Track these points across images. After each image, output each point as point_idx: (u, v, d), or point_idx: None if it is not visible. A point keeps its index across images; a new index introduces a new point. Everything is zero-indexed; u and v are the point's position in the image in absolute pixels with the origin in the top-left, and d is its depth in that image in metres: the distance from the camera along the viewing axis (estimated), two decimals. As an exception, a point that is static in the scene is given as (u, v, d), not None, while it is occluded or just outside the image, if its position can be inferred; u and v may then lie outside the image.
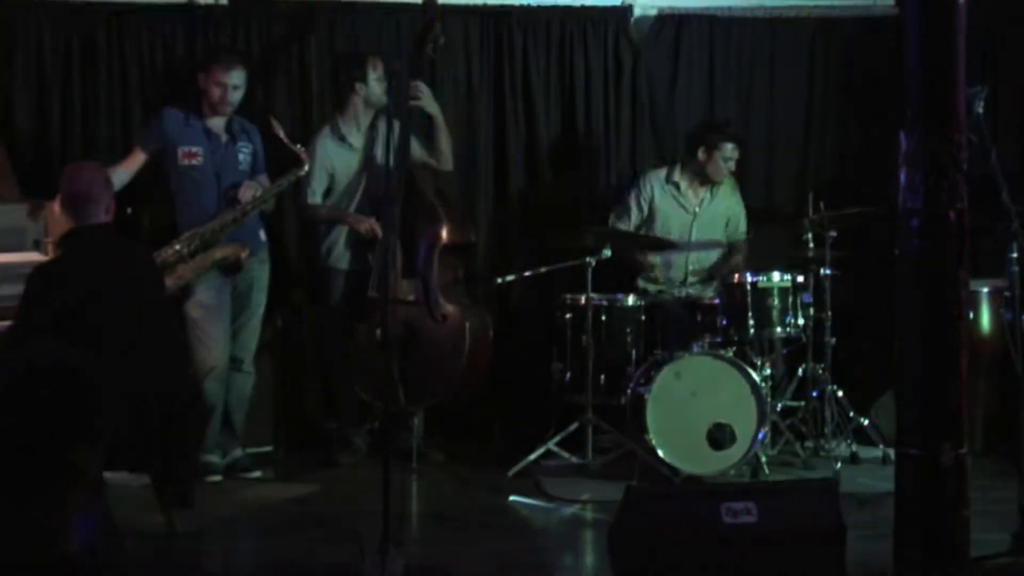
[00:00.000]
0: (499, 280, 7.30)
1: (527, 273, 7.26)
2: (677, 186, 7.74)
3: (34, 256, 6.49)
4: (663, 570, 4.46)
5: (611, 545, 4.78)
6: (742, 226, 7.88)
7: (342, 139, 7.47)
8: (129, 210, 6.93)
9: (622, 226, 7.67)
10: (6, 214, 6.61)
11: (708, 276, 7.75)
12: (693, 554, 4.47)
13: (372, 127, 7.49)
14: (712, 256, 7.81)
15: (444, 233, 7.29)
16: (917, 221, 3.54)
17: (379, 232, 7.15)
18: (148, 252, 6.21)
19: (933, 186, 3.48)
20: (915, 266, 3.56)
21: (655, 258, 7.74)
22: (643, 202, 7.75)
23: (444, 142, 7.49)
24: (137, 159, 7.05)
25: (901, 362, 3.63)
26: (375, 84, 7.43)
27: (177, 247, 6.80)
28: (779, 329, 7.09)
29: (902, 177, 3.58)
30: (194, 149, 7.05)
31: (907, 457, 3.55)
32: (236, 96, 7.10)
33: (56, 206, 6.36)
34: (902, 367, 3.62)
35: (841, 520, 4.53)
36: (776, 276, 7.08)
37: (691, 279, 7.76)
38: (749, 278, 7.06)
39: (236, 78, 7.07)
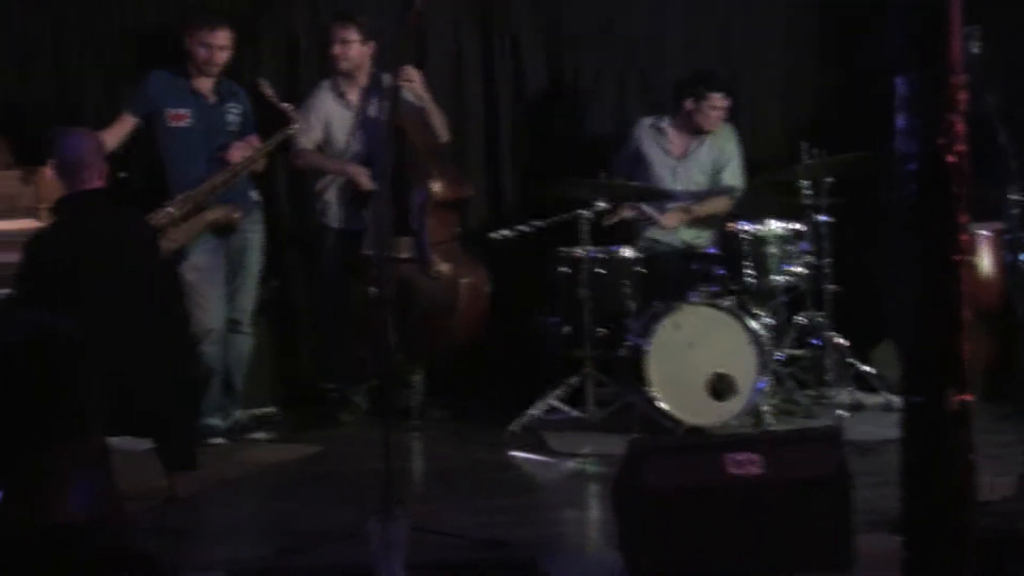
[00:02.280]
0: (492, 235, 7.25)
1: (521, 227, 7.21)
2: (662, 131, 7.68)
3: (27, 223, 6.47)
4: (667, 523, 4.44)
5: (614, 499, 4.76)
6: (732, 174, 7.77)
7: (341, 95, 7.42)
8: (122, 174, 6.89)
9: (617, 178, 7.62)
10: (-2, 180, 6.59)
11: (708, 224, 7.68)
12: (698, 506, 4.44)
13: (370, 87, 7.41)
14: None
15: (437, 189, 7.23)
16: (915, 165, 3.49)
17: (365, 182, 7.12)
18: (142, 216, 6.19)
19: (931, 130, 3.44)
20: (914, 211, 3.52)
21: (647, 207, 7.67)
22: (631, 152, 7.70)
23: (437, 122, 7.41)
24: (127, 123, 7.00)
25: (900, 310, 3.59)
26: (342, 52, 7.34)
27: (169, 210, 6.75)
28: (777, 277, 7.06)
29: (898, 121, 3.53)
30: (182, 111, 7.02)
31: (911, 405, 3.51)
32: (222, 57, 7.05)
33: (48, 172, 6.35)
34: (902, 315, 3.59)
35: (846, 468, 4.51)
36: (773, 224, 7.04)
37: (682, 228, 7.70)
38: (746, 226, 7.01)
39: (221, 38, 7.02)
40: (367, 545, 3.87)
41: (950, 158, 3.43)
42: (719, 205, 7.64)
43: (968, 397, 3.40)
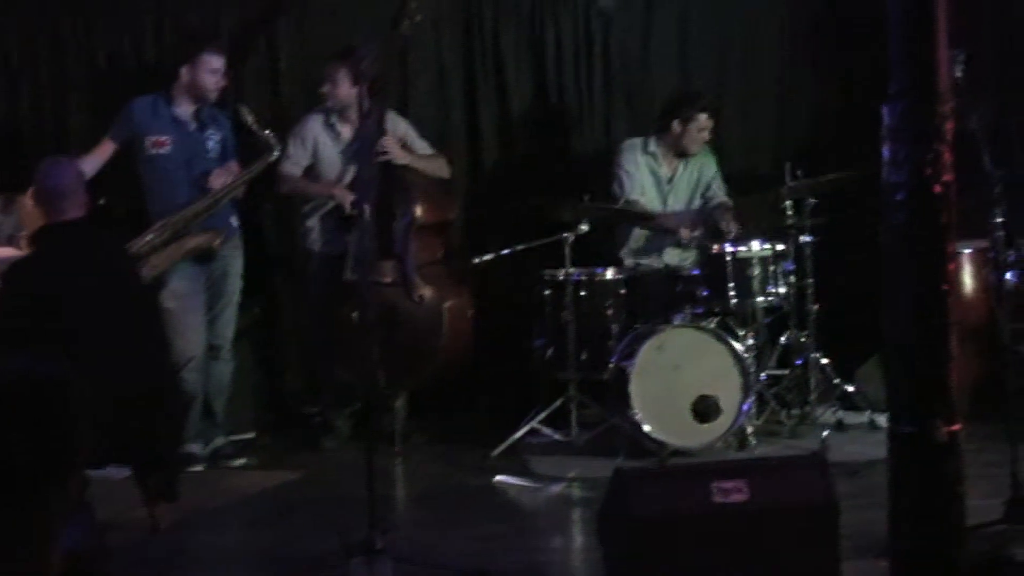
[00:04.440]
0: (476, 260, 7.22)
1: (505, 251, 7.19)
2: (654, 156, 7.67)
3: (7, 251, 6.41)
4: (654, 551, 4.40)
5: (600, 527, 4.73)
6: (721, 189, 7.76)
7: (331, 127, 7.40)
8: (102, 201, 6.82)
9: (632, 197, 7.57)
10: (-23, 209, 6.53)
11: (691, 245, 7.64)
12: (684, 534, 4.41)
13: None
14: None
15: (419, 212, 7.20)
16: (902, 195, 3.48)
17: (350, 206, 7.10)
18: (123, 245, 6.15)
19: (918, 160, 3.43)
20: (901, 240, 3.52)
21: (634, 231, 7.66)
22: (631, 171, 7.65)
23: (434, 169, 7.41)
24: (107, 149, 6.97)
25: (889, 338, 3.59)
26: (331, 91, 7.31)
27: (149, 237, 6.72)
28: (761, 298, 7.04)
29: (885, 151, 3.53)
30: (163, 138, 6.98)
31: (899, 435, 3.50)
32: (223, 82, 7.02)
33: (29, 200, 6.30)
34: (890, 343, 3.58)
35: (833, 494, 4.48)
36: (756, 245, 7.01)
37: (667, 249, 7.68)
38: (728, 248, 6.99)
39: (223, 64, 7.01)
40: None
41: (937, 188, 3.42)
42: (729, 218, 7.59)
43: (957, 427, 3.39)
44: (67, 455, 2.29)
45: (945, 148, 3.43)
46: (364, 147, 6.59)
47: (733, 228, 7.34)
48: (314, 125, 7.39)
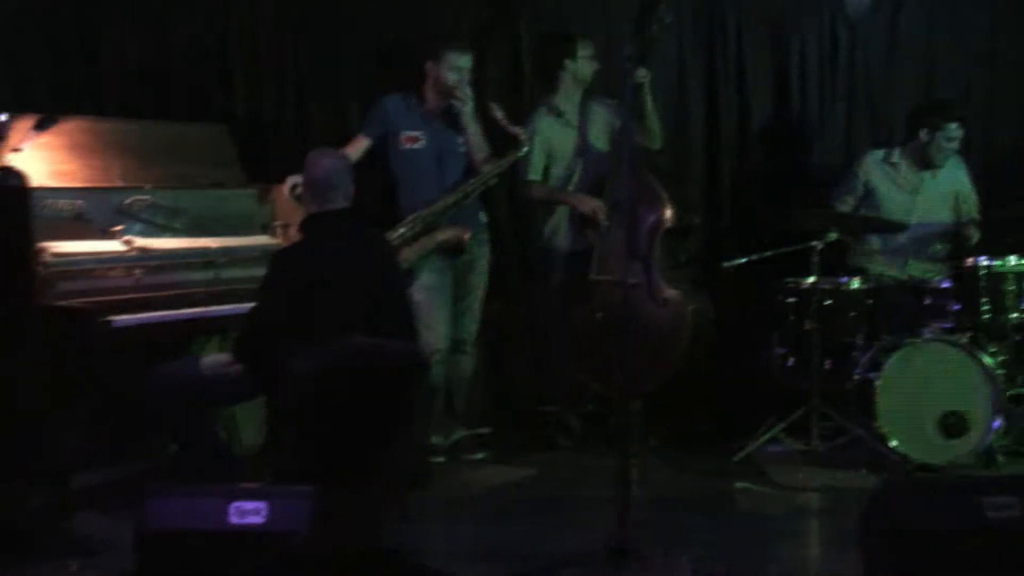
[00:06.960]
0: (726, 264, 7.14)
1: (754, 257, 7.11)
2: (895, 167, 7.51)
3: (263, 239, 6.57)
4: (920, 566, 4.32)
5: (861, 537, 4.65)
6: (972, 204, 7.55)
7: (559, 114, 7.43)
8: (352, 194, 6.97)
9: (842, 209, 7.48)
10: (235, 199, 6.69)
11: (939, 258, 7.48)
12: (954, 550, 4.32)
13: (583, 107, 7.43)
14: (933, 236, 7.55)
15: (667, 215, 7.15)
16: None
17: (601, 216, 7.10)
18: (384, 236, 6.26)
19: None
20: None
21: (875, 241, 7.53)
22: (859, 184, 7.53)
23: (654, 121, 7.34)
24: (360, 144, 7.09)
25: None
26: (584, 62, 7.40)
27: (401, 230, 6.82)
28: (1015, 314, 6.84)
29: None
30: (415, 133, 7.10)
31: None
32: (467, 79, 7.08)
33: (284, 190, 6.48)
34: None
35: (1110, 515, 4.35)
36: (1012, 259, 6.83)
37: (912, 261, 7.53)
38: (983, 262, 6.83)
39: (469, 62, 7.06)
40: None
41: None
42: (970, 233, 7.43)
43: None
44: (407, 433, 2.34)
45: None
46: (602, 153, 6.59)
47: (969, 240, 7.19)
48: (542, 119, 7.41)
